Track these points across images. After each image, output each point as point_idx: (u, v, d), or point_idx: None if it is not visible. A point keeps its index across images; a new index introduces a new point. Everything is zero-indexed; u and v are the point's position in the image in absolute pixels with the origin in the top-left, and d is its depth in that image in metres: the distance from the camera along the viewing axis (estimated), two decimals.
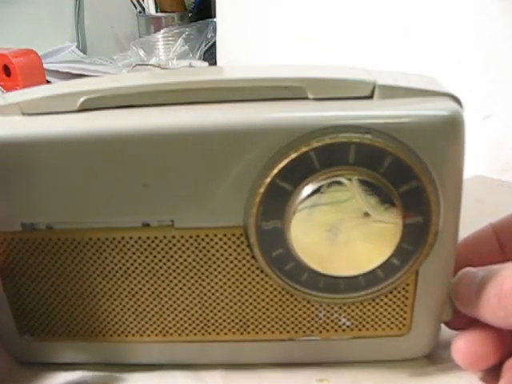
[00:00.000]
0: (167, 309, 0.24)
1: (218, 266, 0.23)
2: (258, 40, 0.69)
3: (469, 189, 0.22)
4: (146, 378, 0.25)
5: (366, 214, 0.20)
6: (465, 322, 0.23)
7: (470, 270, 0.23)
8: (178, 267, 0.23)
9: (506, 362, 0.22)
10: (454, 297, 0.23)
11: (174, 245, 0.22)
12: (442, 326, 0.24)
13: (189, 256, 0.22)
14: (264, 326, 0.24)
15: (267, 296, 0.23)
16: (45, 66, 0.70)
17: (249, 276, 0.23)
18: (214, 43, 0.80)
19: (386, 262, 0.21)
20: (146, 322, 0.24)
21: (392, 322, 0.24)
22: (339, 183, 0.20)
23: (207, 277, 0.23)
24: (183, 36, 0.84)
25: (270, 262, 0.22)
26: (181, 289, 0.23)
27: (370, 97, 0.21)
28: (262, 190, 0.20)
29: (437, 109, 0.20)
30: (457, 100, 0.21)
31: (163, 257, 0.22)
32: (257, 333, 0.24)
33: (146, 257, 0.23)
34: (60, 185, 0.21)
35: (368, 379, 0.24)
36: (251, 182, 0.21)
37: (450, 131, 0.20)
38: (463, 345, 0.23)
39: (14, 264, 0.23)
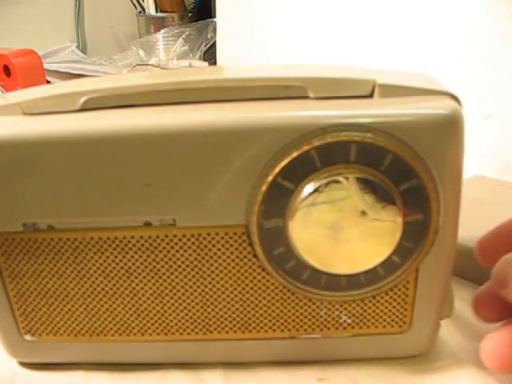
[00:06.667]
0: (169, 308, 0.24)
1: (220, 264, 0.23)
2: (257, 40, 0.69)
3: (469, 189, 0.22)
4: (146, 377, 0.25)
5: (363, 213, 0.20)
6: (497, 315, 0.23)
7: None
8: (179, 266, 0.23)
9: None
10: (498, 285, 0.22)
11: (176, 244, 0.22)
12: (442, 322, 0.25)
13: (190, 255, 0.22)
14: (265, 325, 0.24)
15: (268, 294, 0.23)
16: (45, 66, 0.70)
17: (250, 274, 0.23)
18: (214, 43, 0.80)
19: (387, 260, 0.21)
20: (148, 321, 0.24)
21: (392, 320, 0.24)
22: (336, 182, 0.20)
23: (209, 275, 0.23)
24: (183, 36, 0.84)
25: (271, 260, 0.22)
26: (182, 287, 0.23)
27: (371, 96, 0.21)
28: (263, 188, 0.21)
29: (437, 107, 0.20)
30: (456, 99, 0.21)
31: (165, 256, 0.23)
32: (258, 331, 0.24)
33: (148, 256, 0.23)
34: (61, 184, 0.21)
35: (368, 378, 0.24)
36: (253, 181, 0.21)
37: (449, 130, 0.20)
38: (492, 347, 0.22)
39: (15, 264, 0.23)
